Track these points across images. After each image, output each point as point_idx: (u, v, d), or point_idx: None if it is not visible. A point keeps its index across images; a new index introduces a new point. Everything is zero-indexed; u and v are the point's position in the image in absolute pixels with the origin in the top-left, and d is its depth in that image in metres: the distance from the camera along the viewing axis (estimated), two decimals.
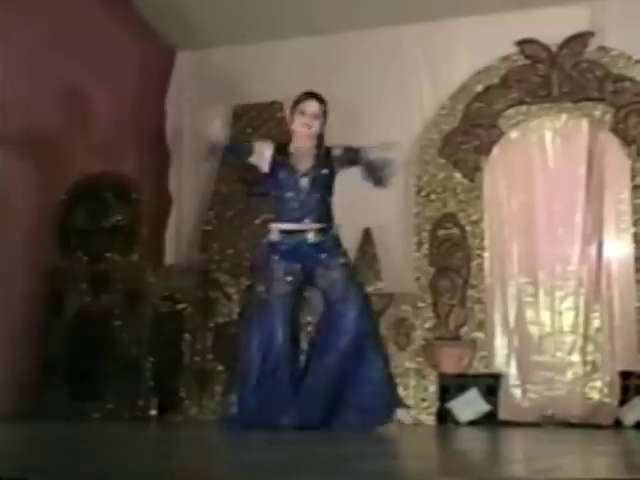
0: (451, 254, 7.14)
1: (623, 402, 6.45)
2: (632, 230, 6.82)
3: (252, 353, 5.17)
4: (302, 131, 5.24)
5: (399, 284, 7.17)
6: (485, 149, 7.18)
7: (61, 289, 7.39)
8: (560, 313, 6.96)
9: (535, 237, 7.13)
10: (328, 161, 5.31)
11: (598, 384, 6.74)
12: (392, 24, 7.45)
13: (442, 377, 6.88)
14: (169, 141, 8.15)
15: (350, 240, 6.77)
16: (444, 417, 6.71)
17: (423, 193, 7.30)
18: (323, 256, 5.19)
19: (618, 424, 6.30)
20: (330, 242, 5.25)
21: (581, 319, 6.91)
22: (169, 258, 7.84)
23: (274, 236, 5.23)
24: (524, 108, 7.24)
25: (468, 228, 7.19)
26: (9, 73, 6.87)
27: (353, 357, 5.14)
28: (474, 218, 7.18)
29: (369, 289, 6.81)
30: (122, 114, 7.86)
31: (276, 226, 5.25)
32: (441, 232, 7.20)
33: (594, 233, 6.98)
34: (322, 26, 7.57)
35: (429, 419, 6.83)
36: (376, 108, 7.31)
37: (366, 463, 2.66)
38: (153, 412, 7.16)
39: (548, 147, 7.14)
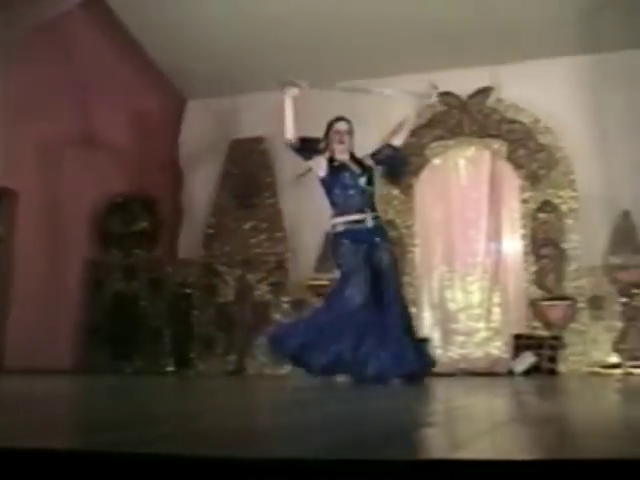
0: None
1: (514, 357, 6.96)
2: (521, 232, 7.36)
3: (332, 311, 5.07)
4: (338, 147, 5.22)
5: None
6: (416, 172, 7.52)
7: (101, 277, 7.80)
8: (470, 293, 7.40)
9: (452, 237, 7.52)
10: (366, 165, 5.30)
11: (498, 344, 7.22)
12: (353, 81, 7.41)
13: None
14: (182, 166, 8.52)
15: (315, 241, 7.65)
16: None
17: None
18: (378, 239, 5.17)
19: (510, 373, 6.85)
20: (382, 229, 5.31)
21: (485, 297, 7.36)
22: (182, 254, 8.16)
23: (340, 227, 5.19)
24: (444, 142, 7.64)
25: (403, 231, 7.54)
26: (58, 118, 7.28)
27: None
28: (408, 223, 7.54)
29: (331, 276, 7.37)
30: (148, 146, 8.17)
31: (342, 219, 5.19)
32: None
33: (495, 234, 7.48)
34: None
35: None
36: None
37: None
38: (170, 368, 7.61)
39: (461, 171, 7.56)
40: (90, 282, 7.79)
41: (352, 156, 5.34)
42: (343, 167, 5.25)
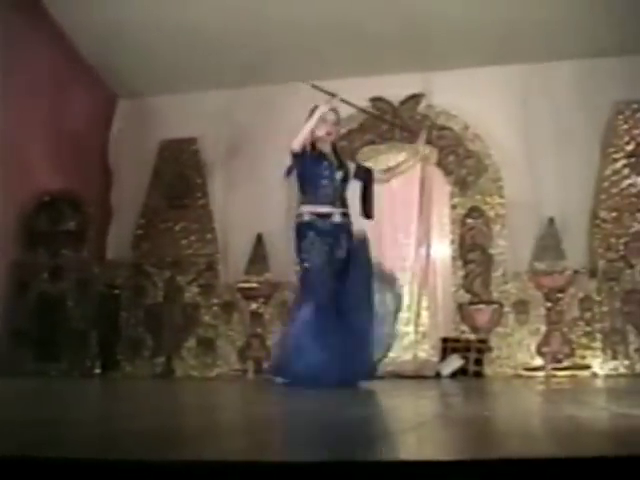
0: None
1: (442, 359, 7.09)
2: (450, 237, 7.48)
3: (304, 319, 4.87)
4: (324, 137, 5.15)
5: (284, 275, 7.48)
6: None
7: (26, 277, 7.59)
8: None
9: (382, 241, 7.38)
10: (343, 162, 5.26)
11: (426, 347, 7.31)
12: (282, 83, 7.63)
13: None
14: (112, 165, 8.40)
15: (245, 242, 7.68)
16: None
17: None
18: (343, 236, 5.08)
19: (438, 376, 6.94)
20: (348, 226, 5.16)
21: (414, 301, 7.35)
22: (110, 254, 8.06)
23: (307, 217, 5.05)
24: (375, 147, 7.70)
25: None
26: None
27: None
28: None
29: (261, 279, 7.60)
30: (77, 144, 7.99)
31: (310, 208, 5.07)
32: None
33: (424, 238, 7.53)
34: (227, 83, 7.90)
35: None
36: (268, 144, 7.43)
37: None
38: (97, 370, 7.47)
39: None
40: (15, 282, 7.59)
41: (334, 148, 5.28)
42: (322, 156, 5.15)
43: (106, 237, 8.17)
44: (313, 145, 5.15)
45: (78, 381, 6.69)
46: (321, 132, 5.15)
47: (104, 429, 1.97)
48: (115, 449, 1.55)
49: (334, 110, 5.25)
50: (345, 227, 5.15)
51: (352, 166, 5.40)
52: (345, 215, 5.16)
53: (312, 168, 5.14)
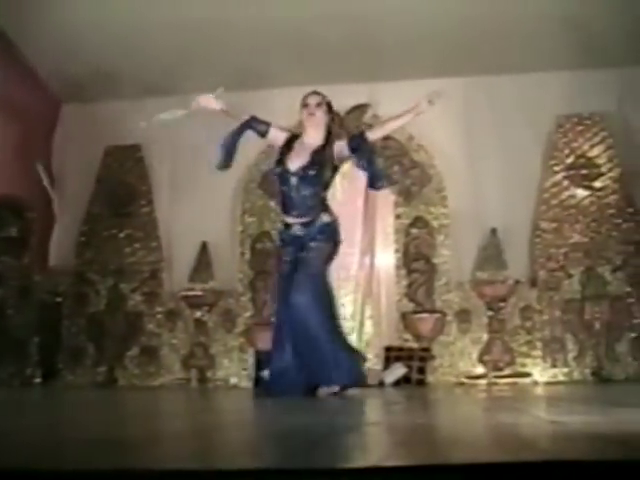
0: (265, 261, 7.47)
1: (385, 368, 7.13)
2: (394, 246, 7.54)
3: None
4: (308, 120, 4.94)
5: (228, 283, 7.61)
6: None
7: None
8: (343, 305, 7.19)
9: None
10: (327, 158, 4.87)
11: (369, 356, 7.03)
12: (228, 91, 7.98)
13: (257, 352, 7.20)
14: (55, 171, 8.25)
15: (189, 250, 7.67)
16: (258, 382, 6.73)
17: (246, 216, 7.70)
18: (312, 244, 4.78)
19: (381, 384, 6.96)
20: (314, 232, 4.84)
21: (358, 310, 7.39)
22: (52, 261, 7.94)
23: (280, 225, 5.01)
24: None
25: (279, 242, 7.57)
26: None
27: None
28: None
29: (205, 287, 7.57)
30: (19, 149, 7.82)
31: (282, 217, 4.95)
32: (259, 245, 7.64)
33: (368, 248, 7.53)
34: (173, 89, 7.58)
35: (248, 384, 7.24)
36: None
37: None
38: (38, 380, 7.34)
39: (337, 186, 7.14)
40: None
41: (327, 139, 4.94)
42: (279, 161, 4.90)
43: (48, 244, 8.03)
44: (290, 140, 4.97)
45: (18, 390, 6.61)
46: (305, 119, 4.98)
47: (47, 438, 1.97)
48: (59, 458, 1.55)
49: (316, 92, 5.08)
50: (312, 234, 4.85)
51: (341, 144, 4.95)
52: (308, 224, 4.85)
53: (275, 177, 5.00)
